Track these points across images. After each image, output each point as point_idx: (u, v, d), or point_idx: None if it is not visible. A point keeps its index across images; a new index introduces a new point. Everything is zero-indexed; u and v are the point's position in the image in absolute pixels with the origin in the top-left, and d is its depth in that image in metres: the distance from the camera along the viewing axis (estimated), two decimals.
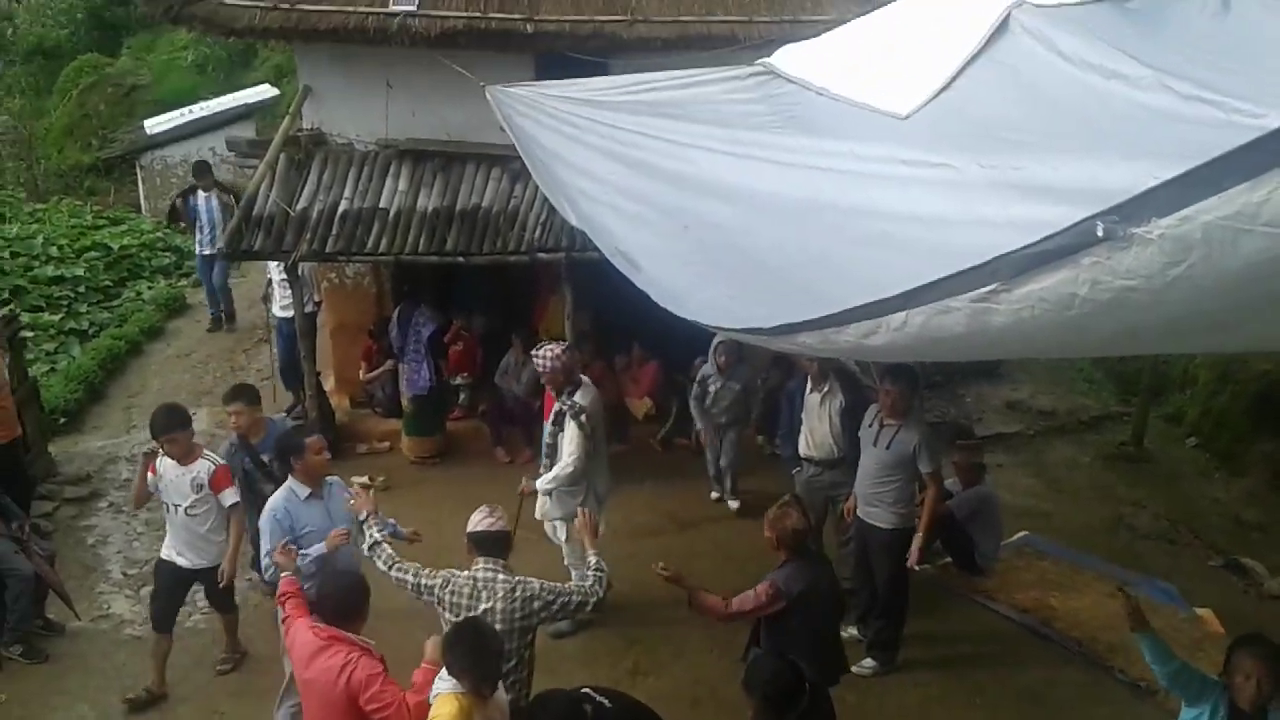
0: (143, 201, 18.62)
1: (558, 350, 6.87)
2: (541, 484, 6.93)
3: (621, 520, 8.28)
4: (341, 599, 4.81)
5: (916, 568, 6.70)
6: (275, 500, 5.76)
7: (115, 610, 7.71)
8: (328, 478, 5.89)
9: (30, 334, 11.38)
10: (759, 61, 6.83)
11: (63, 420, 10.41)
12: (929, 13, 6.01)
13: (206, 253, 12.48)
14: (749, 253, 5.17)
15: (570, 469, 6.82)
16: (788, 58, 6.70)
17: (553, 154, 7.05)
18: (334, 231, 8.71)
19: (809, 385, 7.30)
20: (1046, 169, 3.80)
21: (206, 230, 12.43)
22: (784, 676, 4.50)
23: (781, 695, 4.43)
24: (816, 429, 7.25)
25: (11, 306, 11.04)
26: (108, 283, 14.55)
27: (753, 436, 9.61)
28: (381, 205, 8.90)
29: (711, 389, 8.67)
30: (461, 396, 10.19)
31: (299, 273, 9.11)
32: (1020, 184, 3.86)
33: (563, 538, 7.19)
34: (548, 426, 7.08)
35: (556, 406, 6.95)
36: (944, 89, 5.18)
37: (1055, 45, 4.76)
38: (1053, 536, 8.49)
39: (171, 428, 6.38)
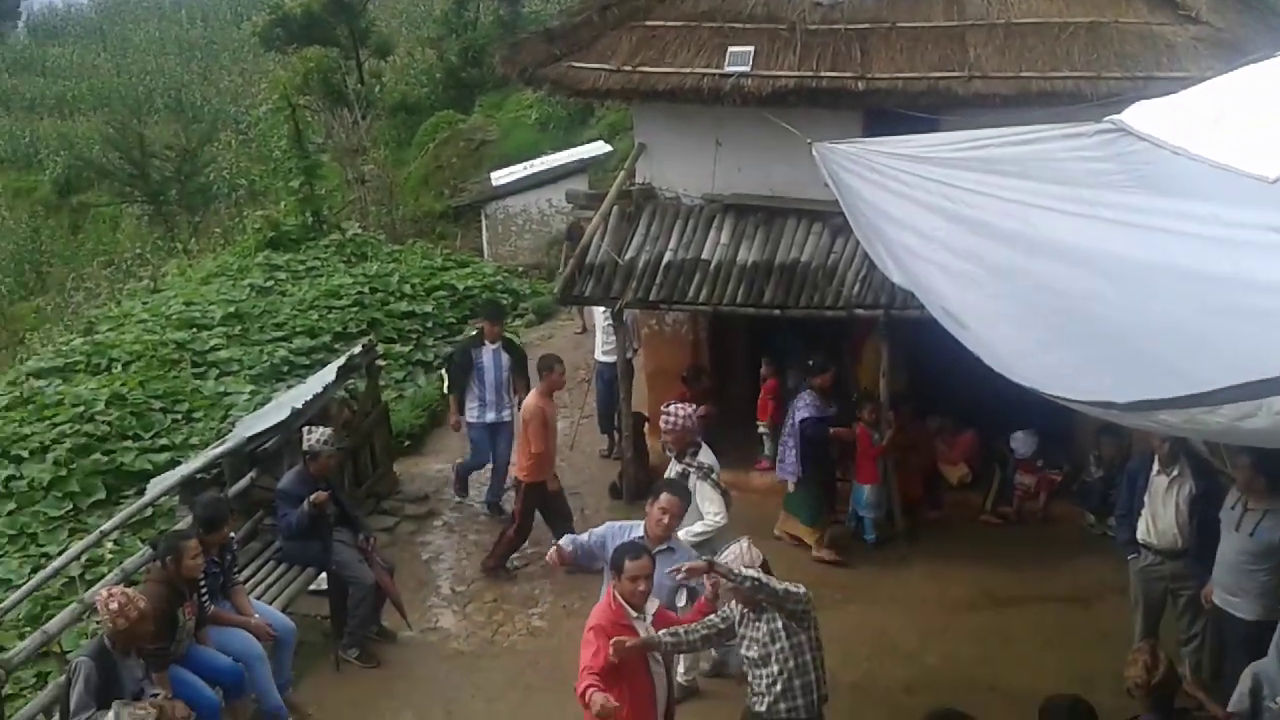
0: (485, 247, 20.12)
1: (689, 409, 6.91)
2: (686, 534, 6.59)
3: (935, 593, 7.95)
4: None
5: None
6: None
7: (443, 624, 8.31)
8: (672, 542, 5.89)
9: (383, 362, 12.54)
10: (1107, 119, 6.43)
11: (407, 443, 11.38)
12: None
13: (490, 419, 9.80)
14: (1091, 319, 4.86)
15: (718, 523, 6.68)
16: (1140, 115, 6.27)
17: (877, 210, 6.96)
18: (658, 280, 9.09)
19: (1155, 466, 6.74)
20: None
21: (491, 392, 9.77)
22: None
23: None
24: (1161, 515, 6.66)
25: (370, 337, 12.21)
26: (452, 319, 15.73)
27: (1079, 512, 9.01)
28: (704, 257, 9.17)
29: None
30: (765, 446, 10.14)
31: (623, 319, 9.51)
32: None
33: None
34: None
35: (678, 468, 6.89)
36: None
37: None
38: None
39: None
